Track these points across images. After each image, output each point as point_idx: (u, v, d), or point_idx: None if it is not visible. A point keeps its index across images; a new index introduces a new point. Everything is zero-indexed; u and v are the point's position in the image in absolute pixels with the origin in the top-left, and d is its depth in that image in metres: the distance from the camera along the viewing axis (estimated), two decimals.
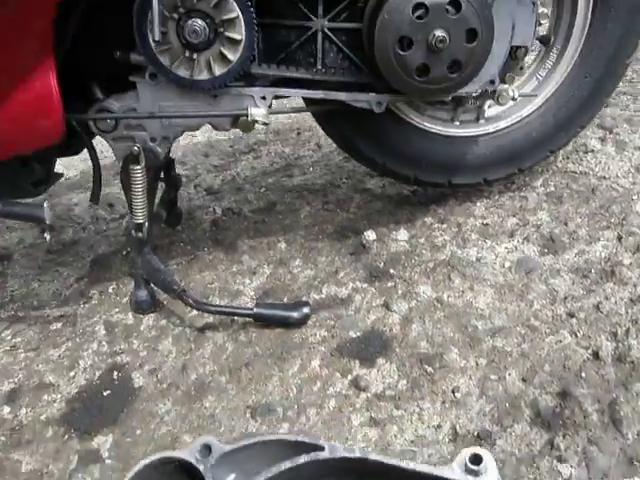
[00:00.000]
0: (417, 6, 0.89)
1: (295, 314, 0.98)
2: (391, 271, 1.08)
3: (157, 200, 1.18)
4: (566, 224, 1.14)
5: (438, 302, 0.99)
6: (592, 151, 1.35)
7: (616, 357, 0.84)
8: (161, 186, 1.21)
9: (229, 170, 1.58)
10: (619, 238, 1.07)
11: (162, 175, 1.19)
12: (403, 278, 1.05)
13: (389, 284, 1.05)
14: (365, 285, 1.06)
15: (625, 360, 0.83)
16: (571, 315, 0.92)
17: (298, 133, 1.65)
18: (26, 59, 0.86)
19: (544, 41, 1.17)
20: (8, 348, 1.10)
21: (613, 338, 0.86)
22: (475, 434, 0.79)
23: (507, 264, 1.05)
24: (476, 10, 0.90)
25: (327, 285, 1.07)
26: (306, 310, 0.99)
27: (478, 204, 1.26)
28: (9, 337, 1.13)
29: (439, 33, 0.89)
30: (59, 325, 1.14)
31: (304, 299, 1.05)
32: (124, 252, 1.34)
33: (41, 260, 1.39)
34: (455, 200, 1.27)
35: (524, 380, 0.84)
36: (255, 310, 0.99)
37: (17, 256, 1.43)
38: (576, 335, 0.88)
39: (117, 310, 1.14)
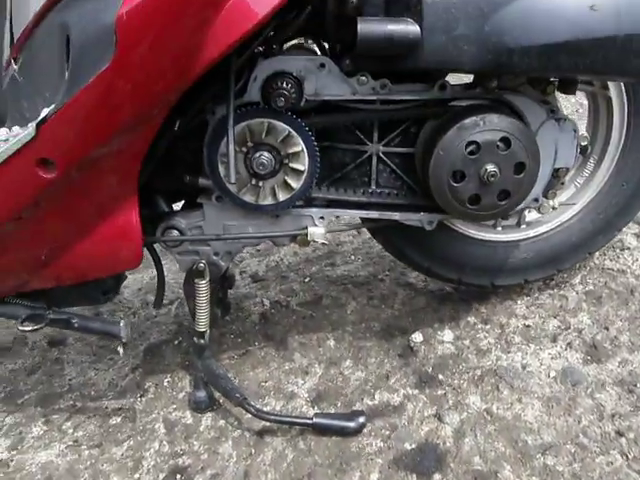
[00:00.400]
0: (470, 143, 0.96)
1: (352, 424, 1.03)
2: (440, 377, 1.13)
3: None
4: (607, 329, 1.18)
5: (488, 414, 1.03)
6: (628, 248, 1.40)
7: None
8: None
9: (272, 256, 1.65)
10: None
11: None
12: (452, 386, 1.10)
13: (439, 392, 1.09)
14: (416, 392, 1.10)
15: None
16: (620, 434, 0.96)
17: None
18: (112, 191, 0.93)
19: (582, 151, 1.23)
20: (71, 443, 1.15)
21: None
22: None
23: (552, 374, 1.09)
24: (524, 145, 0.97)
25: (379, 391, 1.12)
26: (362, 420, 1.04)
27: (519, 302, 1.31)
28: (71, 430, 1.18)
29: (490, 168, 0.96)
30: (118, 419, 1.19)
31: (358, 405, 1.10)
32: (176, 342, 1.40)
33: (95, 346, 1.45)
34: (496, 297, 1.33)
35: None
36: (314, 420, 1.04)
37: (71, 340, 1.48)
38: (627, 457, 0.92)
39: (175, 407, 1.19)
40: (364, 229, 1.65)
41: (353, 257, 1.59)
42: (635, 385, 1.04)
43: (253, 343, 1.32)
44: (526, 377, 1.09)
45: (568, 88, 1.00)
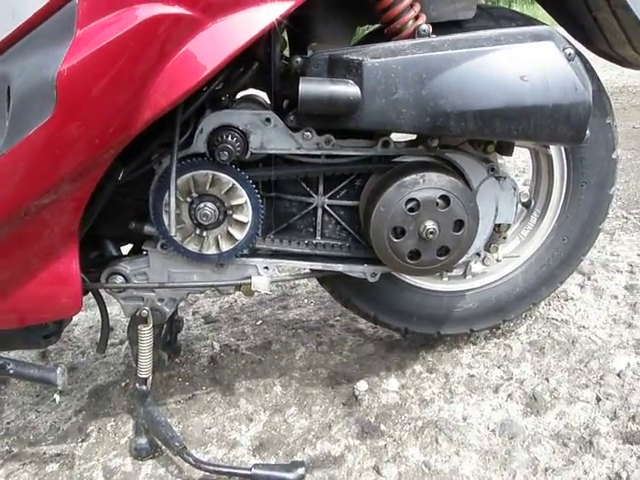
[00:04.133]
0: (410, 200, 0.98)
1: (291, 476, 1.02)
2: (382, 427, 1.13)
3: None
4: (547, 380, 1.21)
5: (426, 467, 1.03)
6: (572, 298, 1.44)
7: None
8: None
9: (226, 297, 1.65)
10: (597, 400, 1.14)
11: None
12: (393, 437, 1.10)
13: (380, 443, 1.09)
14: (357, 442, 1.10)
15: None
16: None
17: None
18: (52, 239, 0.93)
19: (526, 205, 1.27)
20: None
21: None
22: None
23: (492, 426, 1.10)
24: (463, 203, 1.00)
25: (321, 441, 1.12)
26: (301, 471, 1.03)
27: (465, 351, 1.33)
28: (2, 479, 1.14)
29: (429, 225, 0.98)
30: (55, 466, 1.15)
31: (299, 454, 1.10)
32: (123, 383, 1.38)
33: (39, 386, 1.41)
34: (443, 346, 1.34)
35: None
36: (253, 471, 1.03)
37: (14, 379, 1.45)
38: None
39: (115, 453, 1.17)
40: None
41: (306, 300, 1.60)
42: (569, 438, 1.05)
43: (200, 387, 1.31)
44: (465, 429, 1.10)
45: (505, 150, 1.03)
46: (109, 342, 1.55)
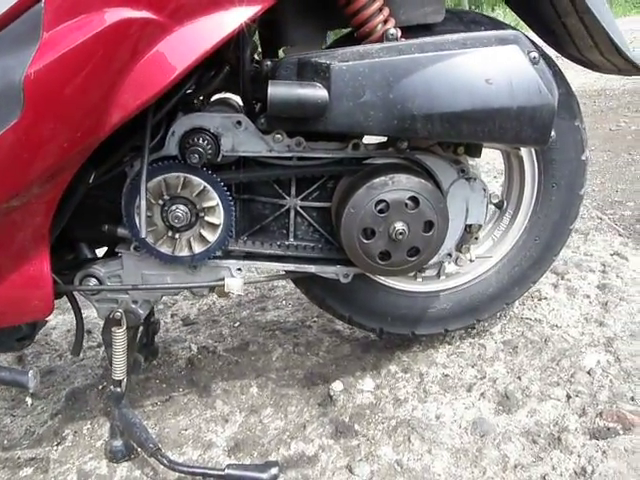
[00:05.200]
0: (379, 202, 0.99)
1: (265, 476, 1.03)
2: (356, 427, 1.14)
3: None
4: (520, 378, 1.22)
5: (398, 465, 1.05)
6: (545, 298, 1.46)
7: None
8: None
9: (205, 299, 1.65)
10: (568, 397, 1.16)
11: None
12: (366, 436, 1.11)
13: (353, 442, 1.10)
14: (331, 442, 1.11)
15: None
16: None
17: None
18: (23, 242, 0.93)
19: (498, 206, 1.29)
20: None
21: None
22: None
23: (464, 424, 1.12)
24: (432, 204, 1.01)
25: (296, 441, 1.12)
26: (275, 471, 1.04)
27: (440, 351, 1.34)
28: None
29: (399, 226, 0.99)
30: (29, 471, 1.15)
31: (274, 455, 1.11)
32: (100, 386, 1.38)
33: (14, 390, 1.40)
34: (419, 346, 1.36)
35: None
36: (226, 471, 1.03)
37: None
38: None
39: (91, 456, 1.17)
40: None
41: (284, 302, 1.60)
42: (539, 435, 1.07)
43: (177, 389, 1.32)
44: (438, 428, 1.11)
45: (473, 151, 1.05)
46: (87, 345, 1.56)
